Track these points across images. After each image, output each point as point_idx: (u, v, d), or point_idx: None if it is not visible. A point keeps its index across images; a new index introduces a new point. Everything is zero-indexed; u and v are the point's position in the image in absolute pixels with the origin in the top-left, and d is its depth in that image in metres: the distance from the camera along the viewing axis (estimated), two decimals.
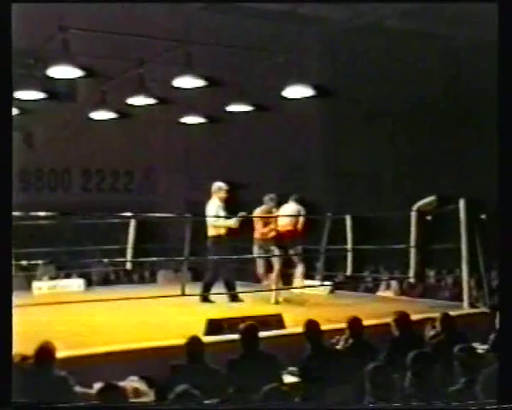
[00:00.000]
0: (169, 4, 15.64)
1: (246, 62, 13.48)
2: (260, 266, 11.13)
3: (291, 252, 11.13)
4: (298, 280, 11.33)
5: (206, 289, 10.72)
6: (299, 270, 11.31)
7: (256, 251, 10.95)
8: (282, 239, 10.90)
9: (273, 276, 10.81)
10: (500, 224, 5.34)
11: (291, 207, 11.39)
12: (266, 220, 10.97)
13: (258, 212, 11.03)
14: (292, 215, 11.16)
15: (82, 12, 12.18)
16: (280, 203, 11.32)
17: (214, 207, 10.64)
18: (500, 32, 5.52)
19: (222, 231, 10.59)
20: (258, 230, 10.90)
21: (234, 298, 10.52)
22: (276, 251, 10.78)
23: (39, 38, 12.35)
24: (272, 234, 10.88)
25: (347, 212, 12.47)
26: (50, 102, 13.77)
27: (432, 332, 7.84)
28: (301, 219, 11.21)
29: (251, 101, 13.37)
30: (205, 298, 10.59)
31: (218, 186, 10.79)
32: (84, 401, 5.66)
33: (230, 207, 10.80)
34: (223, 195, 10.72)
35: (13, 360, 5.91)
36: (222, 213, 10.60)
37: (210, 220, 10.58)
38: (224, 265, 10.67)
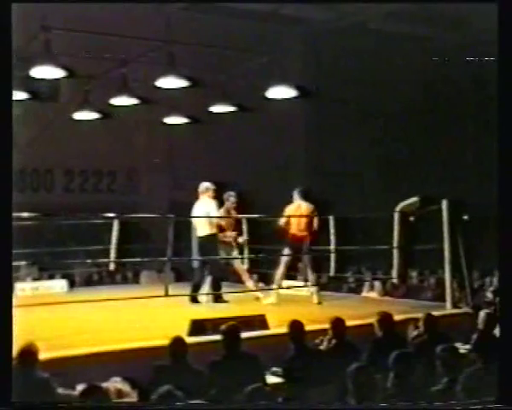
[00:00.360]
0: (151, 4, 15.60)
1: (229, 63, 13.49)
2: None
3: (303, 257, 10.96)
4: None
5: (196, 289, 10.65)
6: (310, 275, 10.86)
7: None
8: (295, 244, 10.71)
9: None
10: (500, 223, 5.38)
11: (304, 207, 10.91)
12: (230, 222, 11.14)
13: (221, 212, 11.04)
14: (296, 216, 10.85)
15: (64, 12, 12.10)
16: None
17: (208, 206, 10.56)
18: (500, 32, 5.55)
19: (214, 230, 10.63)
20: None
21: (218, 299, 10.48)
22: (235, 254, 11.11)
23: (21, 38, 12.28)
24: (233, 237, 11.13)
25: (331, 212, 12.48)
26: (33, 103, 13.72)
27: (415, 332, 7.87)
28: (315, 219, 10.86)
29: (234, 101, 13.37)
30: (194, 299, 10.51)
31: (206, 187, 10.76)
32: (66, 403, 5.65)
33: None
34: (211, 194, 10.72)
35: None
36: (217, 212, 10.61)
37: (204, 219, 10.51)
38: (215, 264, 10.63)
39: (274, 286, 10.90)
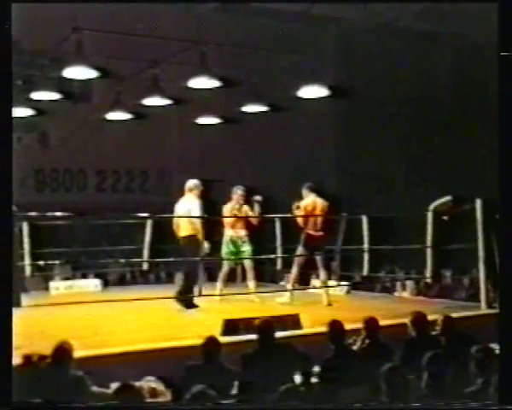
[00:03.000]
0: (182, 5, 15.64)
1: (260, 63, 13.49)
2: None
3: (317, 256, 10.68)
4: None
5: (188, 293, 10.08)
6: (322, 276, 10.74)
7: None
8: (311, 244, 10.53)
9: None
10: (500, 223, 5.34)
11: (318, 202, 10.73)
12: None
13: (227, 208, 11.02)
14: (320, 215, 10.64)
15: (96, 13, 12.18)
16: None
17: (190, 204, 10.05)
18: (500, 32, 5.53)
19: (195, 232, 9.98)
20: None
21: (189, 304, 9.88)
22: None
23: (54, 40, 12.39)
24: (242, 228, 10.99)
25: (361, 212, 12.44)
26: (65, 103, 13.83)
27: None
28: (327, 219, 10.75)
29: (266, 101, 13.37)
30: (190, 304, 9.95)
31: (193, 184, 10.28)
32: (101, 401, 5.67)
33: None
34: (198, 192, 10.21)
35: (23, 360, 5.97)
36: (198, 212, 10.03)
37: (186, 218, 9.99)
38: (193, 267, 10.09)
39: (289, 286, 10.73)
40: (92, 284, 13.01)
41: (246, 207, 11.15)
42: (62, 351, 5.97)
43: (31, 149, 15.33)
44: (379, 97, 17.96)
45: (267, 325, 6.81)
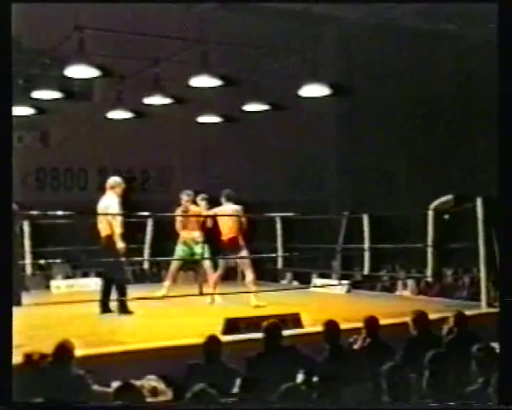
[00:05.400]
0: (183, 4, 15.65)
1: (261, 62, 13.48)
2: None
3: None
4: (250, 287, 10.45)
5: (106, 297, 9.68)
6: (249, 277, 10.44)
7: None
8: (224, 248, 10.51)
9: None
10: (500, 223, 5.34)
11: (230, 208, 10.60)
12: (189, 219, 10.96)
13: (178, 210, 10.98)
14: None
15: (97, 12, 12.20)
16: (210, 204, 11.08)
17: (114, 202, 9.65)
18: (500, 32, 5.54)
19: (111, 232, 9.51)
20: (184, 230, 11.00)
21: (123, 309, 9.45)
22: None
23: (55, 38, 12.40)
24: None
25: (362, 211, 12.44)
26: (67, 102, 13.83)
27: (446, 328, 7.79)
28: (243, 221, 10.53)
29: (267, 100, 13.36)
30: (105, 309, 9.61)
31: (114, 181, 9.90)
32: (102, 400, 5.67)
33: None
34: (119, 190, 9.84)
35: (24, 359, 5.97)
36: (117, 211, 9.62)
37: (104, 219, 9.56)
38: (117, 269, 9.64)
39: (210, 290, 10.54)
40: (93, 283, 12.99)
41: (194, 209, 11.10)
42: (63, 350, 5.97)
43: (32, 148, 15.35)
44: (380, 95, 17.98)
45: (273, 327, 6.80)
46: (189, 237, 11.04)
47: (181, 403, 5.71)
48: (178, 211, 11.07)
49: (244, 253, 10.43)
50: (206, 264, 10.97)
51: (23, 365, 5.96)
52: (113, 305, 9.60)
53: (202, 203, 11.16)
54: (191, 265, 12.01)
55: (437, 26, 17.74)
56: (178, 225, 11.09)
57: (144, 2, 14.42)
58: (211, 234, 10.96)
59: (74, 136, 15.31)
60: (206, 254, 10.97)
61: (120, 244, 9.44)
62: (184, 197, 11.05)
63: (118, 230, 9.44)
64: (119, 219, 9.54)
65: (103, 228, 9.58)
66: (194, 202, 11.18)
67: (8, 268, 5.41)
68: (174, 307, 9.90)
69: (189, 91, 12.63)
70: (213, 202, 11.01)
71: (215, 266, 10.82)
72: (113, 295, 9.66)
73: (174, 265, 11.25)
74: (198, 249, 10.97)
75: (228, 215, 10.44)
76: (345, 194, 18.24)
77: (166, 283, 11.12)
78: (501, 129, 5.55)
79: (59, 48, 12.31)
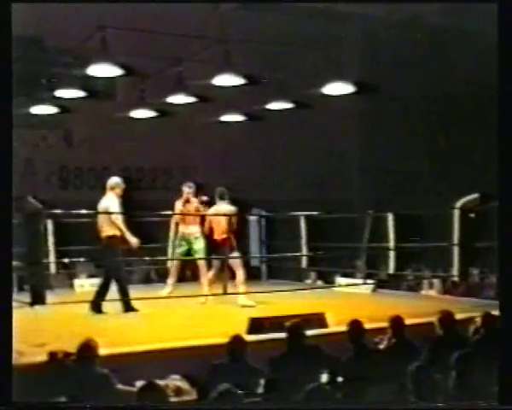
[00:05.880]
0: (207, 3, 15.64)
1: (285, 60, 13.45)
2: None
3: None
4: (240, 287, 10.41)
5: (101, 297, 9.64)
6: (240, 277, 10.41)
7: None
8: (217, 248, 10.46)
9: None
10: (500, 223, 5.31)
11: (223, 209, 10.53)
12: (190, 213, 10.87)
13: (178, 205, 10.90)
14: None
15: (120, 11, 12.21)
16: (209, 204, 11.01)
17: (114, 203, 9.66)
18: (500, 32, 5.51)
19: (118, 232, 9.58)
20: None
21: (128, 308, 9.49)
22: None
23: (78, 38, 12.43)
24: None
25: (387, 209, 12.36)
26: (90, 101, 13.86)
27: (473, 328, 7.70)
28: (233, 221, 10.41)
29: (290, 98, 13.32)
30: (96, 308, 9.51)
31: (114, 182, 9.88)
32: (125, 399, 5.65)
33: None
34: (119, 191, 9.81)
35: (48, 357, 5.97)
36: (117, 210, 9.66)
37: (111, 218, 9.54)
38: (118, 269, 9.73)
39: (205, 289, 10.52)
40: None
41: (196, 204, 10.99)
42: (87, 348, 5.96)
43: (55, 147, 15.38)
44: (404, 94, 17.87)
45: (296, 327, 6.75)
46: (188, 232, 10.94)
47: (205, 403, 5.69)
48: (179, 203, 10.97)
49: (236, 253, 10.38)
50: (201, 261, 10.90)
51: (47, 363, 5.96)
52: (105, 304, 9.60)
53: (201, 208, 11.03)
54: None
55: (461, 23, 17.61)
56: (177, 218, 11.01)
57: (167, 3, 14.42)
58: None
59: (97, 135, 15.32)
60: (204, 249, 10.89)
61: (133, 240, 9.53)
62: (186, 189, 10.96)
63: (123, 229, 9.49)
64: (121, 219, 9.57)
65: (105, 229, 9.58)
66: (196, 195, 11.07)
67: (9, 268, 5.39)
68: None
69: (212, 90, 12.62)
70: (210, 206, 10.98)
71: (209, 264, 10.77)
72: (111, 294, 9.66)
73: (176, 262, 11.16)
74: (197, 245, 10.91)
75: (222, 215, 10.37)
76: (369, 192, 18.14)
77: (169, 281, 11.04)
78: (500, 129, 5.54)
79: (82, 47, 12.34)
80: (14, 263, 8.69)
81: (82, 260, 12.61)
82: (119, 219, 9.51)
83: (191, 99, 13.06)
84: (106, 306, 9.56)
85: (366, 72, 17.86)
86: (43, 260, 8.62)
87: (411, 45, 17.57)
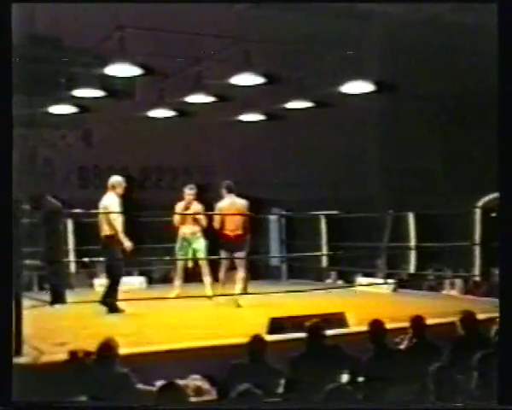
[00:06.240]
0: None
1: (304, 59, 13.40)
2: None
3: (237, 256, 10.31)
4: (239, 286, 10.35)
5: (111, 295, 9.58)
6: (240, 275, 10.37)
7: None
8: (228, 243, 10.31)
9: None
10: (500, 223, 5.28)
11: (238, 203, 10.43)
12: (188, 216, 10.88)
13: (180, 207, 10.92)
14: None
15: (138, 10, 12.22)
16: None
17: (114, 202, 9.64)
18: (500, 32, 5.49)
19: (111, 232, 9.55)
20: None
21: (112, 309, 9.41)
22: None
23: (97, 37, 12.45)
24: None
25: (407, 209, 12.31)
26: (109, 100, 13.88)
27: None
28: (247, 218, 10.36)
29: (310, 97, 13.28)
30: (113, 308, 9.47)
31: (115, 181, 9.84)
32: (145, 399, 5.64)
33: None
34: (120, 191, 9.79)
35: (69, 356, 5.98)
36: (118, 210, 9.65)
37: (110, 217, 9.51)
38: (114, 269, 9.69)
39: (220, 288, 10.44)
40: (137, 282, 13.07)
41: (197, 206, 11.03)
42: (107, 348, 5.95)
43: (74, 147, 15.42)
44: (424, 93, 17.78)
45: (316, 327, 6.72)
46: (189, 232, 10.98)
47: (225, 403, 5.67)
48: (180, 205, 10.99)
49: (243, 251, 10.32)
50: (203, 261, 10.93)
51: (68, 362, 5.97)
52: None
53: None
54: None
55: (483, 21, 17.49)
56: (177, 219, 11.01)
57: (185, 3, 14.43)
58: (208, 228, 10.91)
59: (116, 134, 15.35)
60: (204, 248, 10.93)
61: (127, 243, 9.48)
62: (187, 191, 11.00)
63: (118, 229, 9.47)
64: (120, 219, 9.54)
65: (104, 228, 9.60)
66: (198, 198, 11.11)
67: (9, 268, 5.38)
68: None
69: (230, 89, 12.61)
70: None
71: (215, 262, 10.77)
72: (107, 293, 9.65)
73: (180, 263, 11.18)
74: (197, 244, 10.94)
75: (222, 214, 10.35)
76: (389, 192, 18.07)
77: (176, 283, 11.06)
78: (501, 129, 5.52)
79: (101, 46, 12.37)
80: (34, 262, 8.76)
81: (102, 259, 12.62)
82: (116, 219, 9.51)
83: (210, 98, 13.05)
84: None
85: (385, 70, 17.80)
86: (63, 259, 8.61)
87: (431, 44, 17.50)
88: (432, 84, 17.79)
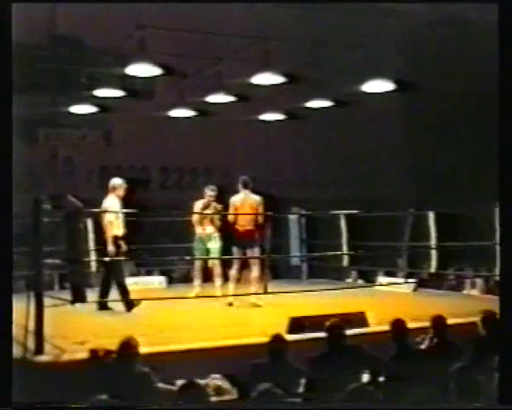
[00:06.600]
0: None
1: (324, 58, 13.38)
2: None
3: (249, 253, 10.19)
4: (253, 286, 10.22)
5: (105, 295, 9.58)
6: (254, 274, 10.22)
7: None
8: (239, 240, 10.19)
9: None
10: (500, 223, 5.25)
11: (250, 199, 10.31)
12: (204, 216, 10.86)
13: (198, 206, 10.89)
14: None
15: (159, 10, 12.25)
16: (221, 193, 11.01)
17: (114, 204, 9.64)
18: (500, 32, 5.47)
19: (118, 233, 9.60)
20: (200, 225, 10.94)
21: (102, 306, 9.42)
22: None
23: (118, 37, 12.49)
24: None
25: (428, 208, 12.24)
26: (129, 100, 13.92)
27: None
28: (260, 212, 10.22)
29: (331, 96, 13.26)
30: (103, 306, 9.46)
31: (118, 183, 9.82)
32: (166, 398, 5.65)
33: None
34: (121, 192, 9.77)
35: (89, 355, 6.00)
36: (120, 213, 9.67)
37: (111, 219, 9.52)
38: (115, 270, 9.69)
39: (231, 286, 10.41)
40: (157, 281, 13.09)
41: (215, 206, 11.00)
42: (128, 347, 5.97)
43: (95, 146, 15.49)
44: (444, 91, 17.69)
45: (335, 326, 6.69)
46: (204, 233, 11.01)
47: (246, 402, 5.66)
48: (198, 205, 10.98)
49: (256, 249, 10.19)
50: (215, 261, 10.94)
51: (88, 361, 5.99)
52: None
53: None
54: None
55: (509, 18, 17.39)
56: (195, 219, 11.02)
57: (205, 3, 14.44)
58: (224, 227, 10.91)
59: (137, 134, 15.40)
60: (219, 249, 10.96)
61: (111, 248, 9.47)
62: (208, 192, 11.00)
63: (115, 232, 9.49)
64: (119, 222, 9.58)
65: (106, 230, 9.62)
66: (217, 199, 11.09)
67: (9, 268, 5.40)
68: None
69: (251, 89, 12.61)
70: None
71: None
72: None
73: (197, 263, 11.19)
74: (211, 244, 10.97)
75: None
76: (410, 191, 18.00)
77: (195, 283, 11.05)
78: (501, 129, 5.49)
79: (121, 46, 12.40)
80: (55, 261, 8.80)
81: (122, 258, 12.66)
82: (113, 222, 9.51)
83: (230, 98, 13.05)
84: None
85: (406, 69, 17.73)
86: (83, 258, 8.65)
87: (452, 42, 17.41)
88: (455, 83, 17.70)
